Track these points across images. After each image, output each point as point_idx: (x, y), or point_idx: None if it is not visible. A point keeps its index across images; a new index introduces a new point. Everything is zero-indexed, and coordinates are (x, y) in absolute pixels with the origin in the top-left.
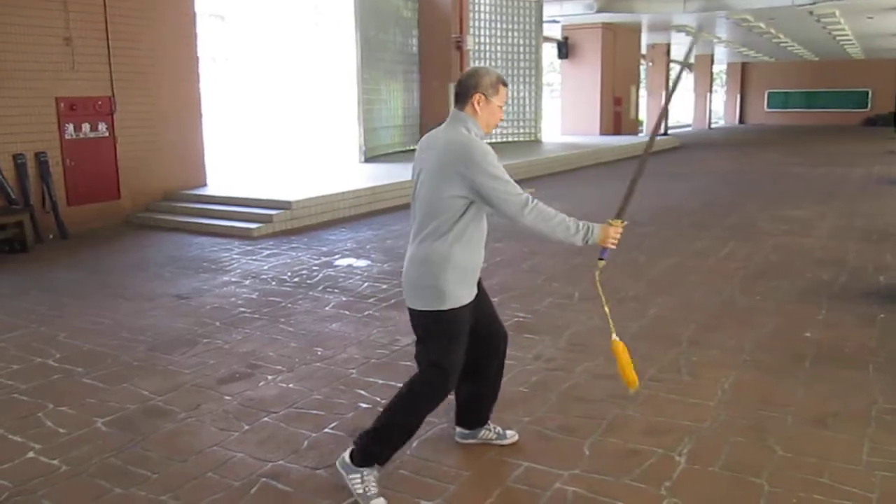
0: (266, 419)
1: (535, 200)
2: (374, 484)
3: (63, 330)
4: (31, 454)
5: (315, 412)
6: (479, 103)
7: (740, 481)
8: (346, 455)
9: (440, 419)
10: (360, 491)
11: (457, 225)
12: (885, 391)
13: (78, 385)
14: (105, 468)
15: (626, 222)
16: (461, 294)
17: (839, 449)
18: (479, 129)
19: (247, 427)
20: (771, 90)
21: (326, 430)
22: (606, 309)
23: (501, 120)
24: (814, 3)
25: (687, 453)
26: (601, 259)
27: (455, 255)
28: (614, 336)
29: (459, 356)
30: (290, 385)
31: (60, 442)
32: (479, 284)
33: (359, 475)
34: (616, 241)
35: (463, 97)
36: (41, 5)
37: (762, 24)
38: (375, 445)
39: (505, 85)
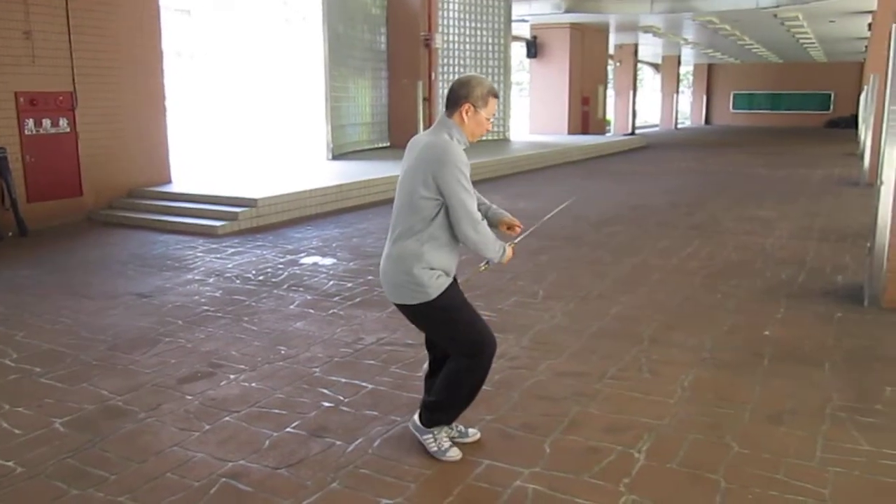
0: (227, 419)
1: (482, 223)
2: (446, 440)
3: (21, 329)
4: None
5: (277, 411)
6: (467, 113)
7: (698, 478)
8: (416, 417)
9: (403, 417)
10: (435, 448)
11: (429, 226)
12: (840, 389)
13: (35, 385)
14: (62, 469)
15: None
16: (441, 282)
17: (794, 445)
18: (464, 137)
19: (207, 427)
20: (736, 91)
21: (288, 429)
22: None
23: (488, 131)
24: (777, 7)
25: (646, 450)
26: (487, 264)
27: (426, 255)
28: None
29: (477, 320)
30: (253, 384)
31: (16, 443)
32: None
33: (431, 435)
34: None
35: (453, 104)
36: None
37: (727, 27)
38: (442, 413)
39: (496, 97)
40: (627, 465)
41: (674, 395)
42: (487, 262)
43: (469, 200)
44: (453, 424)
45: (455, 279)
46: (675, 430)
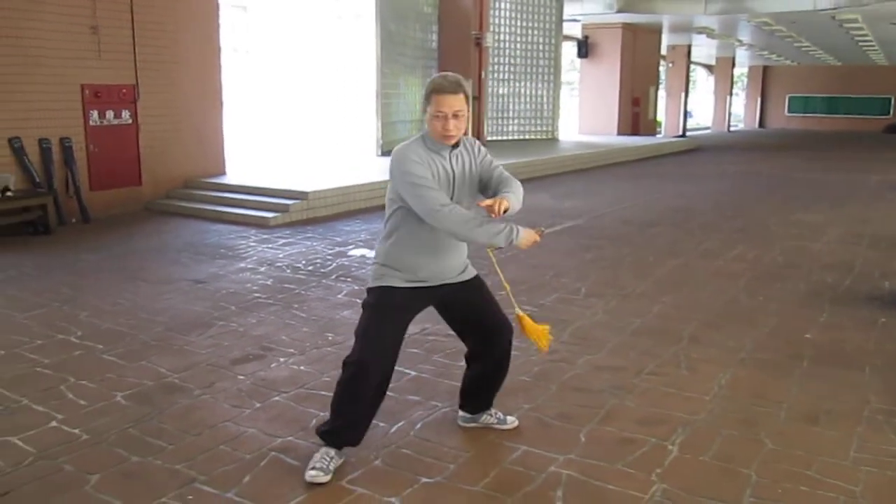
0: (277, 398)
1: (450, 206)
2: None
3: (84, 309)
4: (53, 423)
5: (323, 393)
6: (424, 112)
7: (729, 471)
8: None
9: (443, 403)
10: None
11: (389, 224)
12: (878, 392)
13: (98, 361)
14: (124, 438)
15: (546, 231)
16: (381, 275)
17: (828, 445)
18: (431, 137)
19: (258, 405)
20: (792, 94)
21: None
22: (506, 287)
23: (448, 131)
24: (836, 9)
25: (679, 443)
26: (499, 247)
27: (388, 251)
28: (518, 311)
29: (373, 335)
30: (301, 367)
31: (82, 413)
32: (476, 280)
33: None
34: (531, 245)
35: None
36: None
37: (784, 28)
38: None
39: (437, 93)
40: (660, 457)
41: (710, 392)
42: (500, 246)
43: (421, 196)
44: (493, 411)
45: (403, 288)
46: (709, 426)
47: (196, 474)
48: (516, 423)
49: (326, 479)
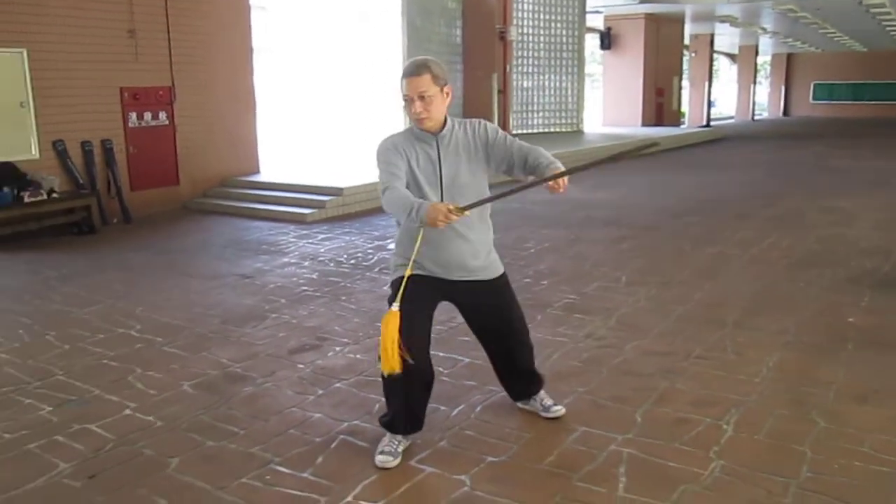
0: (338, 385)
1: (391, 188)
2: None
3: (139, 304)
4: (127, 411)
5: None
6: None
7: (784, 448)
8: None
9: (499, 387)
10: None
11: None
12: None
13: (161, 353)
14: (196, 424)
15: (467, 214)
16: (397, 266)
17: (879, 422)
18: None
19: (321, 392)
20: (817, 81)
21: None
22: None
23: (417, 114)
24: None
25: (733, 423)
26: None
27: (397, 243)
28: (395, 306)
29: (405, 320)
30: (357, 356)
31: (152, 402)
32: (496, 282)
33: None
34: (443, 223)
35: None
36: None
37: (808, 15)
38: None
39: (402, 77)
40: (716, 435)
41: (759, 375)
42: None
43: (382, 178)
44: (537, 399)
45: (420, 276)
46: (760, 406)
47: (271, 456)
48: (562, 411)
49: (395, 462)
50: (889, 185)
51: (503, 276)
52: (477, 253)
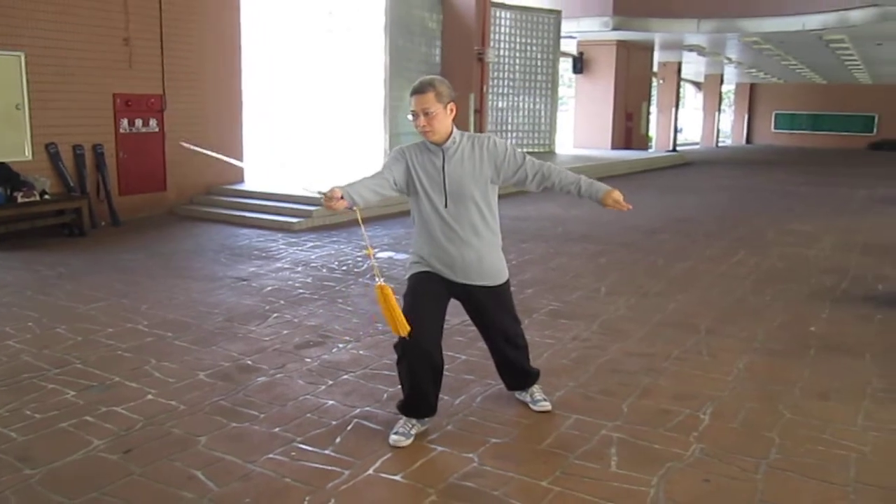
0: (346, 377)
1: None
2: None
3: (143, 302)
4: (149, 396)
5: (387, 373)
6: None
7: (756, 434)
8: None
9: (496, 381)
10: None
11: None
12: (879, 375)
13: (172, 346)
14: (218, 408)
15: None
16: (413, 262)
17: (839, 415)
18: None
19: (331, 382)
20: (778, 111)
21: (399, 386)
22: (370, 252)
23: (422, 128)
24: (824, 29)
25: (710, 413)
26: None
27: (413, 241)
28: (380, 280)
29: (413, 313)
30: (361, 352)
31: (172, 388)
32: (498, 289)
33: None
34: (329, 209)
35: None
36: (104, 7)
37: (772, 47)
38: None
39: (410, 94)
40: (695, 423)
41: (731, 374)
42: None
43: None
44: (527, 392)
45: (430, 272)
46: (734, 400)
47: (293, 436)
48: (548, 407)
49: (408, 442)
50: (847, 210)
51: (505, 283)
52: (481, 259)
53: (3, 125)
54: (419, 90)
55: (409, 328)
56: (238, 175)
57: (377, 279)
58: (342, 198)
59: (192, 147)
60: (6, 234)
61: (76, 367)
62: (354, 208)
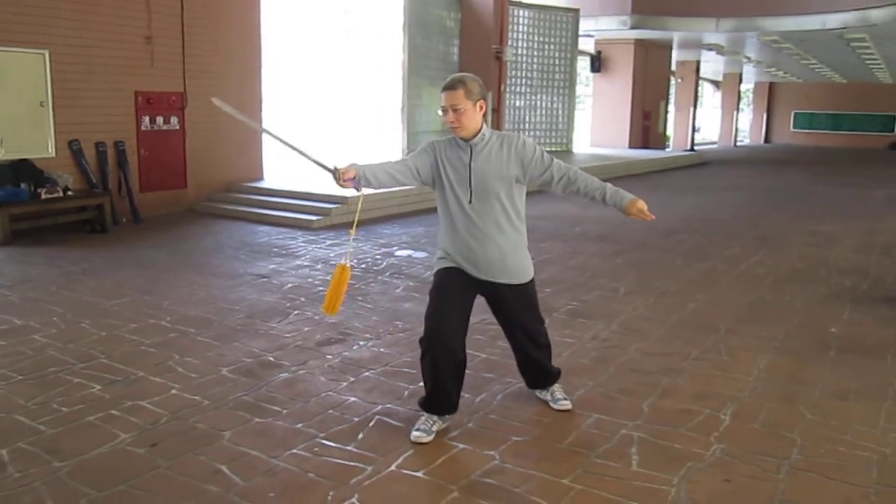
0: (367, 374)
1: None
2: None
3: (165, 298)
4: (174, 391)
5: (407, 370)
6: None
7: (776, 434)
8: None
9: (516, 379)
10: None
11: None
12: None
13: (194, 342)
14: (241, 404)
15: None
16: (439, 258)
17: (860, 416)
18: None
19: (352, 379)
20: (797, 110)
21: (421, 383)
22: (351, 233)
23: (450, 123)
24: (844, 28)
25: (730, 414)
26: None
27: (440, 236)
28: (344, 262)
29: (433, 312)
30: (381, 349)
31: (196, 383)
32: (521, 287)
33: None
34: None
35: None
36: (127, 6)
37: (791, 46)
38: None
39: (442, 90)
40: (715, 424)
41: (751, 374)
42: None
43: None
44: (548, 391)
45: (456, 268)
46: (754, 400)
47: (315, 432)
48: (568, 406)
49: (429, 439)
50: (867, 211)
51: (530, 282)
52: (504, 256)
53: (27, 122)
54: (450, 86)
55: (336, 311)
56: (255, 173)
57: (344, 260)
58: (354, 177)
59: (222, 106)
60: (30, 230)
61: (101, 362)
62: (360, 193)
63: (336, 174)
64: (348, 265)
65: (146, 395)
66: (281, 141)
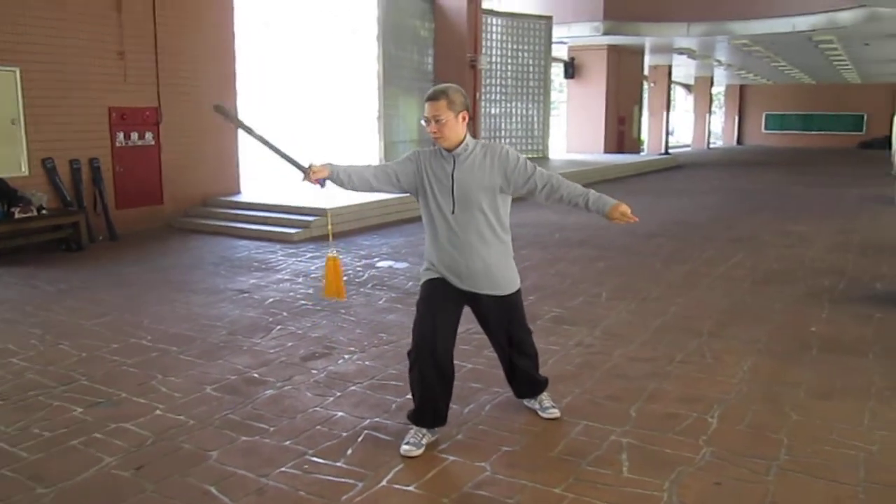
0: (353, 388)
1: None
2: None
3: (146, 317)
4: (158, 412)
5: (395, 383)
6: None
7: (763, 436)
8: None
9: (503, 389)
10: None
11: None
12: (882, 374)
13: (176, 360)
14: (227, 422)
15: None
16: (425, 269)
17: (844, 415)
18: None
19: (339, 393)
20: (768, 112)
21: (408, 396)
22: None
23: (432, 134)
24: (813, 30)
25: (717, 416)
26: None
27: (425, 247)
28: (331, 253)
29: (420, 323)
30: (366, 363)
31: (180, 403)
32: (508, 300)
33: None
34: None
35: None
36: (100, 21)
37: (761, 49)
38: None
39: (425, 100)
40: (703, 427)
41: (736, 377)
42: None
43: None
44: (536, 399)
45: (442, 279)
46: (740, 402)
47: (304, 448)
48: (557, 414)
49: (418, 452)
50: (840, 211)
51: (516, 293)
52: (488, 267)
53: None
54: (432, 97)
55: (344, 296)
56: (232, 187)
57: (331, 251)
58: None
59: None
60: (4, 250)
61: (82, 384)
62: (324, 188)
63: (307, 171)
64: (336, 255)
65: (130, 417)
66: (256, 136)
